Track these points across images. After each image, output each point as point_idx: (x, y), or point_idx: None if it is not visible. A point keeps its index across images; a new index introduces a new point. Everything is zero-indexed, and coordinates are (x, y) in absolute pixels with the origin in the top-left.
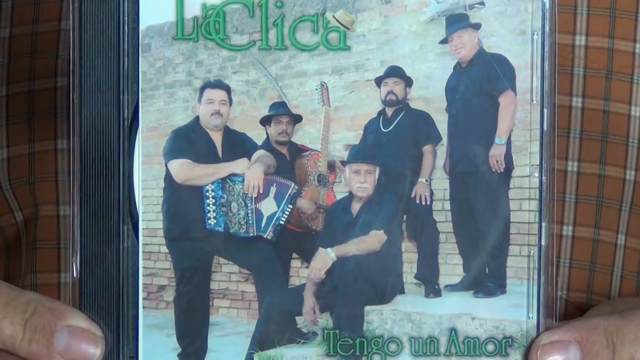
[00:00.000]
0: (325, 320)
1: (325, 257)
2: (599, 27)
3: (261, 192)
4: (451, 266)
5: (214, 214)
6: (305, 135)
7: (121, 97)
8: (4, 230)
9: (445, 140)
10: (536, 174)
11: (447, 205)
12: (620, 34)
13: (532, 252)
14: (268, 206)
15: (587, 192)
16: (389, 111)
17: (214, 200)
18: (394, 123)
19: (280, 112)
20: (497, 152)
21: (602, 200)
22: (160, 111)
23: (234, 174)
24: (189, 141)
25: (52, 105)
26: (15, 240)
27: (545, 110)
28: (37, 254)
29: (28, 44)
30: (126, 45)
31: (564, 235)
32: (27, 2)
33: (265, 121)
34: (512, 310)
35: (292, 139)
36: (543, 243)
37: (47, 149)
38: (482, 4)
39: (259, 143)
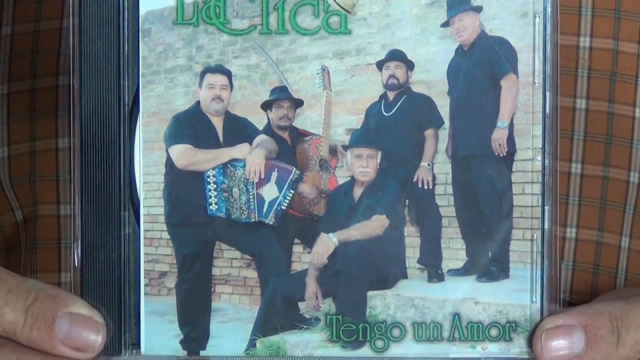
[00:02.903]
0: (328, 305)
1: (327, 242)
2: (603, 29)
3: (262, 177)
4: (454, 251)
5: (215, 200)
6: (307, 119)
7: (121, 82)
8: (3, 228)
9: (447, 124)
10: (539, 157)
11: (450, 189)
12: (625, 35)
13: (535, 235)
14: (269, 191)
15: (591, 194)
16: (391, 95)
17: (215, 186)
18: (396, 107)
19: (281, 96)
20: (499, 135)
21: (606, 203)
22: (161, 96)
23: (235, 159)
24: (190, 126)
25: (53, 104)
26: (15, 239)
27: (547, 93)
28: (37, 253)
29: (30, 42)
30: (126, 31)
31: (567, 238)
32: (28, 0)
33: (266, 106)
34: (516, 295)
35: (293, 124)
36: (546, 227)
37: (48, 147)
38: None
39: (260, 128)
